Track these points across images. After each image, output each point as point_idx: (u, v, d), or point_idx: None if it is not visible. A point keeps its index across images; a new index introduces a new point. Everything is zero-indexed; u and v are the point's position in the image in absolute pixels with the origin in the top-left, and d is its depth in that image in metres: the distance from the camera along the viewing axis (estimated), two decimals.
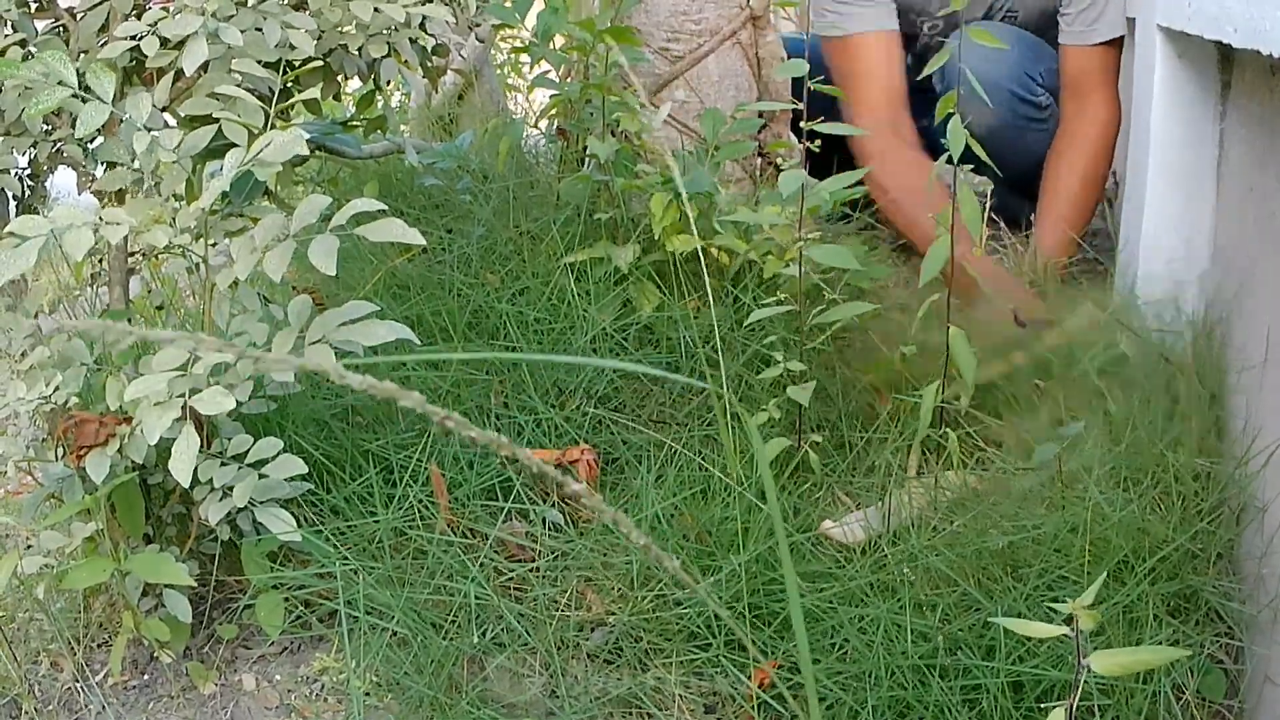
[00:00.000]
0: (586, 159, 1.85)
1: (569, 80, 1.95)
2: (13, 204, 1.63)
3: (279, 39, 1.44)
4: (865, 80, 2.21)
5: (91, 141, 1.49)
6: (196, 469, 1.25)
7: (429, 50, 1.75)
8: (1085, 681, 0.94)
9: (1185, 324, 1.56)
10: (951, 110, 1.41)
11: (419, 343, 1.40)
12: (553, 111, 1.99)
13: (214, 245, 1.38)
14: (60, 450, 1.40)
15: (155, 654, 1.43)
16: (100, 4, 1.50)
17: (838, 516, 1.46)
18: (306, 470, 1.37)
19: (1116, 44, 2.20)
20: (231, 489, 1.34)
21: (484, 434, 0.52)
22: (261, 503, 1.37)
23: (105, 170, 1.43)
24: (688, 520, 1.43)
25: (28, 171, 1.65)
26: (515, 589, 1.43)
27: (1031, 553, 1.31)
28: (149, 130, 1.34)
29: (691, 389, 1.70)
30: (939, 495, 1.46)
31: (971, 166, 1.53)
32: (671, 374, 0.50)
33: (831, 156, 1.93)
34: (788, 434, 1.54)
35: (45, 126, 1.50)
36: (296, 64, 1.48)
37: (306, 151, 1.31)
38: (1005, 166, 2.02)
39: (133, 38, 1.40)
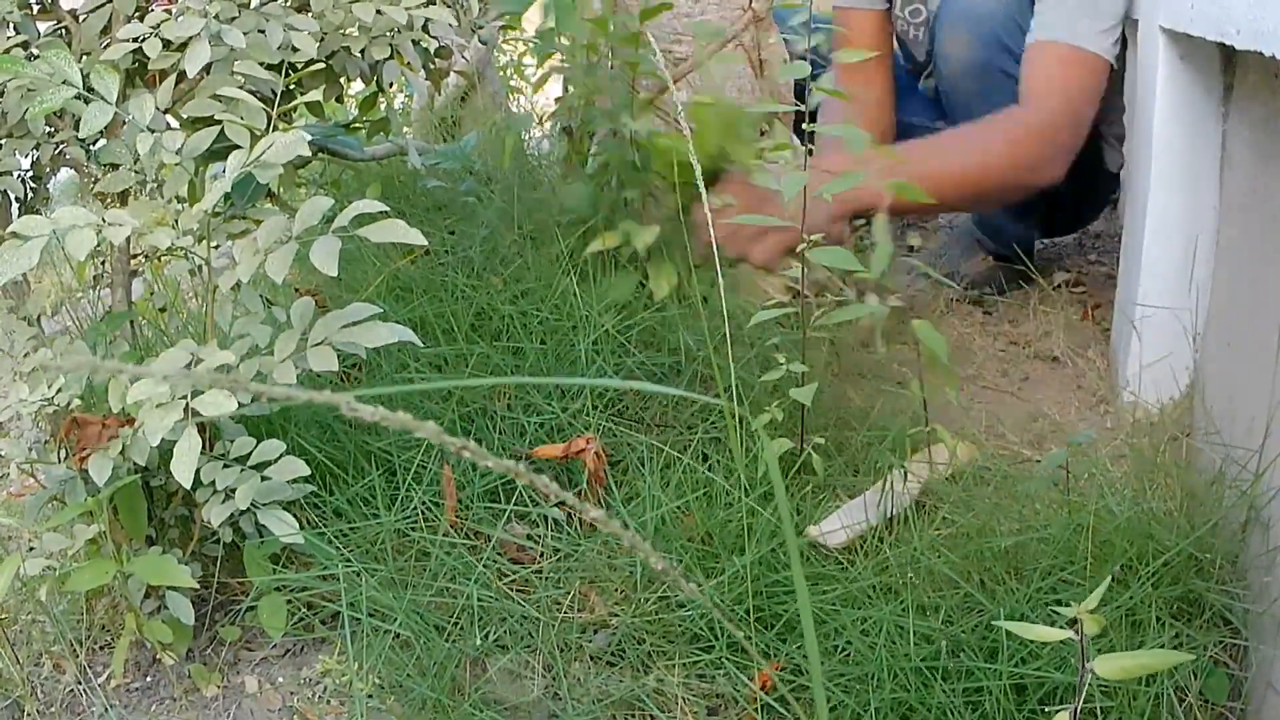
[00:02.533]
0: (591, 158, 1.85)
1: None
2: (15, 205, 1.62)
3: (281, 41, 1.44)
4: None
5: (94, 143, 1.49)
6: (199, 471, 1.25)
7: (432, 52, 1.75)
8: (1088, 684, 0.94)
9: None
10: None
11: (421, 344, 1.40)
12: (554, 112, 1.99)
13: (216, 247, 1.38)
14: (62, 452, 1.40)
15: (158, 656, 1.43)
16: (102, 6, 1.50)
17: (819, 520, 1.46)
18: (309, 472, 1.37)
19: (1061, 50, 1.95)
20: (234, 491, 1.34)
21: (500, 463, 0.52)
22: (264, 505, 1.37)
23: (108, 172, 1.43)
24: (692, 522, 1.43)
25: (30, 173, 1.65)
26: (518, 590, 1.43)
27: (1035, 553, 1.31)
28: (152, 132, 1.34)
29: (696, 390, 1.69)
30: (938, 474, 1.46)
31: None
32: (678, 390, 0.51)
33: None
34: (790, 436, 1.53)
35: (48, 128, 1.50)
36: (299, 66, 1.48)
37: (309, 153, 1.31)
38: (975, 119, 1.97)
39: (135, 40, 1.39)
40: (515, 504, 1.50)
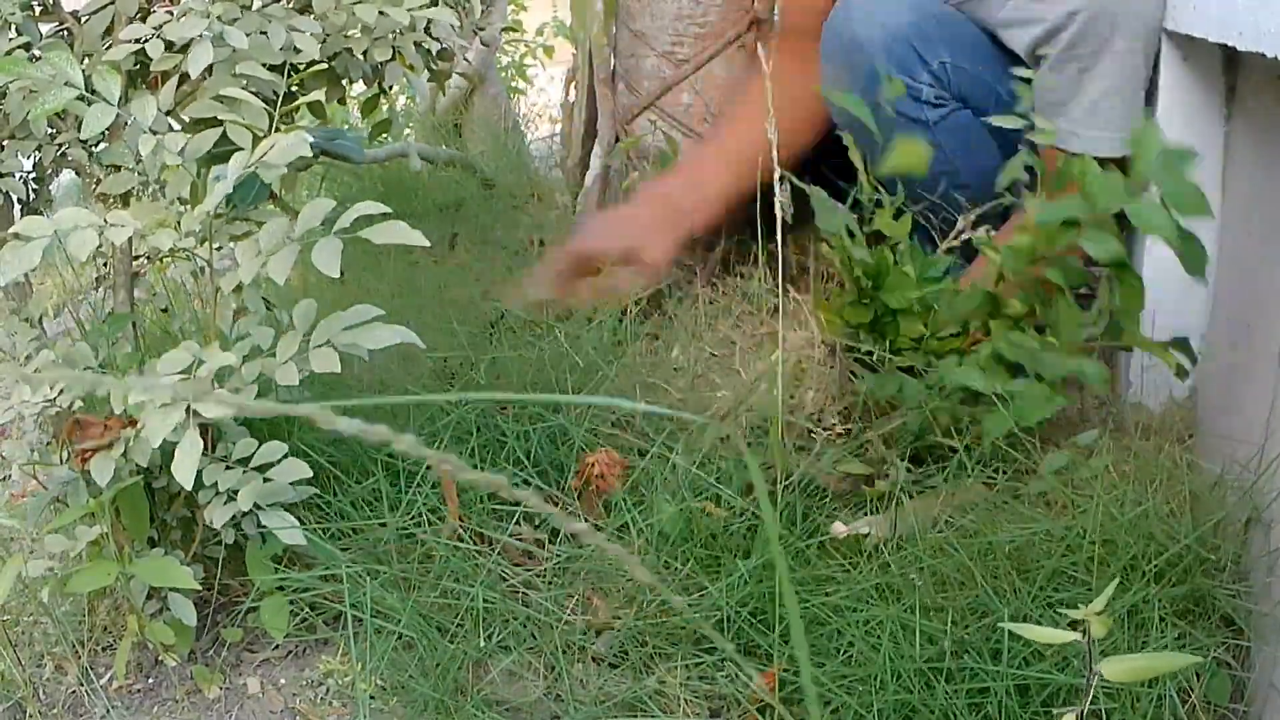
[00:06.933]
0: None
1: (574, 82, 1.95)
2: (17, 206, 1.63)
3: (284, 42, 1.44)
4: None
5: (96, 145, 1.49)
6: (201, 472, 1.25)
7: (434, 54, 1.75)
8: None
9: None
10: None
11: (424, 346, 1.40)
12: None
13: (219, 249, 1.38)
14: (65, 453, 1.40)
15: (160, 657, 1.43)
16: (105, 7, 1.50)
17: (847, 519, 1.46)
18: (311, 474, 1.37)
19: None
20: (236, 493, 1.34)
21: (484, 476, 0.51)
22: (267, 506, 1.37)
23: (110, 173, 1.43)
24: (696, 526, 1.43)
25: (32, 175, 1.65)
26: (522, 593, 1.43)
27: (1038, 554, 1.31)
28: (154, 133, 1.34)
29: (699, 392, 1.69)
30: (949, 502, 1.46)
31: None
32: (683, 414, 0.51)
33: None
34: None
35: (50, 130, 1.50)
36: (301, 67, 1.48)
37: (310, 154, 1.31)
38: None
39: (137, 41, 1.40)
40: (519, 506, 1.50)
